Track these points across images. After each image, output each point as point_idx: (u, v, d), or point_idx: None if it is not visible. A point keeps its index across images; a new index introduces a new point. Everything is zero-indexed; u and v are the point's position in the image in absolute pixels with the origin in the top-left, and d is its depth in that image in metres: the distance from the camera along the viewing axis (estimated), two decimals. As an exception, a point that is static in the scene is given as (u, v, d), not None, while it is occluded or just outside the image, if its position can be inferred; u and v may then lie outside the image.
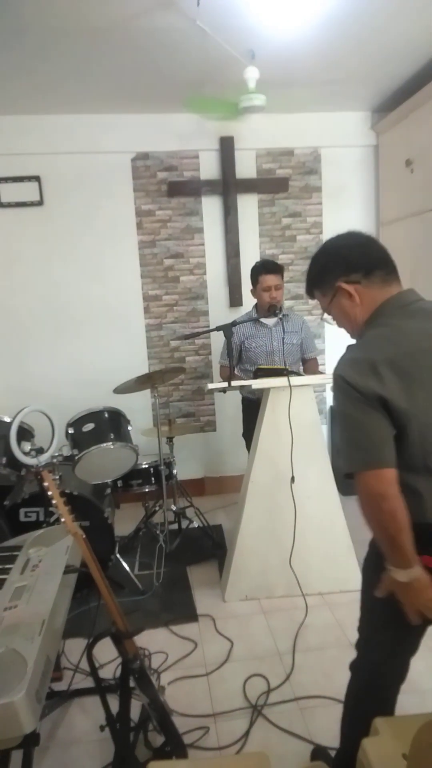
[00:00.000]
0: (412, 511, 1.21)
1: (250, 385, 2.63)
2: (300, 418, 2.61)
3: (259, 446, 2.68)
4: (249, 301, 3.76)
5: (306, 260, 4.08)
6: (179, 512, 3.37)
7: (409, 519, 1.20)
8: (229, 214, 3.94)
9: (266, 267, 3.04)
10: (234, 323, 2.91)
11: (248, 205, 4.00)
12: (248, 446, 3.05)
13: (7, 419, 2.67)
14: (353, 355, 1.28)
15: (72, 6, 2.36)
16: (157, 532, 3.19)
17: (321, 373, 3.12)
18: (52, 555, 1.68)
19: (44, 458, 2.62)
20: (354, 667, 1.55)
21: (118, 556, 2.88)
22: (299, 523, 2.62)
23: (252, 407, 2.97)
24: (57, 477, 2.73)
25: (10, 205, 3.74)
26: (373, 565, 1.40)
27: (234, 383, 2.60)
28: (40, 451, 2.63)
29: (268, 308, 3.03)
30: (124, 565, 2.92)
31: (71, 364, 3.95)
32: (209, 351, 4.13)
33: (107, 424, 2.88)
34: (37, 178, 3.74)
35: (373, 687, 1.49)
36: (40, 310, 3.89)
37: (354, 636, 1.55)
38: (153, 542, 3.21)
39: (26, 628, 1.28)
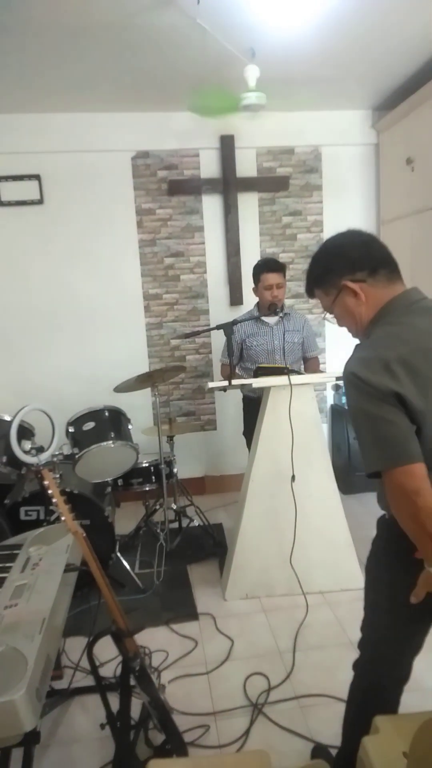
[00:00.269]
0: None
1: (251, 384, 2.63)
2: (300, 417, 2.61)
3: (260, 445, 2.68)
4: (249, 300, 3.76)
5: (306, 259, 4.08)
6: (180, 511, 3.37)
7: None
8: (230, 213, 3.93)
9: (268, 265, 3.04)
10: (235, 322, 2.90)
11: (249, 204, 3.99)
12: (249, 445, 3.05)
13: (8, 418, 2.67)
14: (364, 353, 1.25)
15: (72, 5, 2.36)
16: (158, 530, 3.19)
17: (322, 372, 3.12)
18: (52, 553, 1.68)
19: (44, 457, 2.62)
20: (357, 666, 1.54)
21: (118, 554, 2.88)
22: (300, 521, 2.61)
23: (253, 406, 2.97)
24: (57, 476, 2.73)
25: (10, 203, 3.74)
26: (383, 566, 1.39)
27: (234, 382, 2.60)
28: (40, 449, 2.63)
29: (269, 307, 3.03)
30: (125, 563, 2.92)
31: (71, 363, 3.95)
32: (209, 350, 4.13)
33: (108, 423, 2.88)
34: (37, 177, 3.74)
35: (377, 687, 1.48)
36: (41, 309, 3.89)
37: (355, 634, 1.55)
38: (153, 541, 3.21)
39: (27, 626, 1.28)
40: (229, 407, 4.09)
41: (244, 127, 3.79)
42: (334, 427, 4.26)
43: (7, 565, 1.65)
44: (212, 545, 3.27)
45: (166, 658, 2.33)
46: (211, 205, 3.96)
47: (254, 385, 2.63)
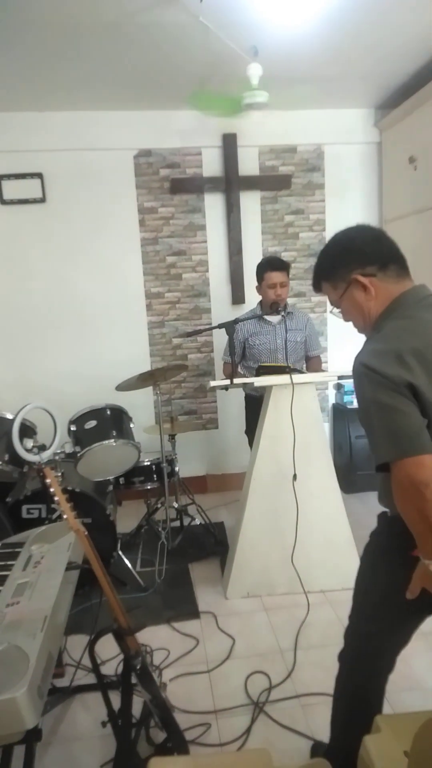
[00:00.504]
0: None
1: (253, 383, 2.63)
2: (302, 416, 2.61)
3: (261, 444, 2.68)
4: (251, 299, 3.76)
5: (309, 257, 4.08)
6: (181, 509, 3.37)
7: None
8: (232, 212, 3.93)
9: (272, 264, 3.03)
10: (236, 320, 2.90)
11: (251, 203, 3.99)
12: (251, 443, 3.05)
13: (10, 416, 2.67)
14: (376, 346, 1.25)
15: (74, 3, 2.36)
16: (159, 529, 3.20)
17: (323, 371, 3.12)
18: (54, 552, 1.69)
19: (46, 455, 2.62)
20: (344, 659, 1.54)
21: (120, 553, 2.89)
22: (301, 520, 2.61)
23: (255, 404, 2.97)
24: (59, 474, 2.73)
25: (12, 202, 3.74)
26: (380, 561, 1.39)
27: (236, 381, 2.60)
28: (42, 448, 2.63)
29: (271, 305, 3.02)
30: (126, 562, 2.92)
31: (73, 361, 3.96)
32: (211, 348, 4.13)
33: (109, 422, 2.88)
34: (39, 175, 3.74)
35: (364, 681, 1.48)
36: (43, 307, 3.89)
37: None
38: (155, 539, 3.21)
39: (28, 624, 1.29)
40: (231, 406, 4.09)
41: (246, 126, 3.79)
42: (335, 426, 4.26)
43: (9, 563, 1.65)
44: (214, 544, 3.28)
45: (168, 657, 2.34)
46: (214, 204, 3.95)
47: (256, 384, 2.63)
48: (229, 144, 3.85)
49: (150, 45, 2.79)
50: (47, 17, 2.46)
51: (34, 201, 3.76)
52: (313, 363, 3.25)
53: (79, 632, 2.36)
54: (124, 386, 2.99)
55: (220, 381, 2.67)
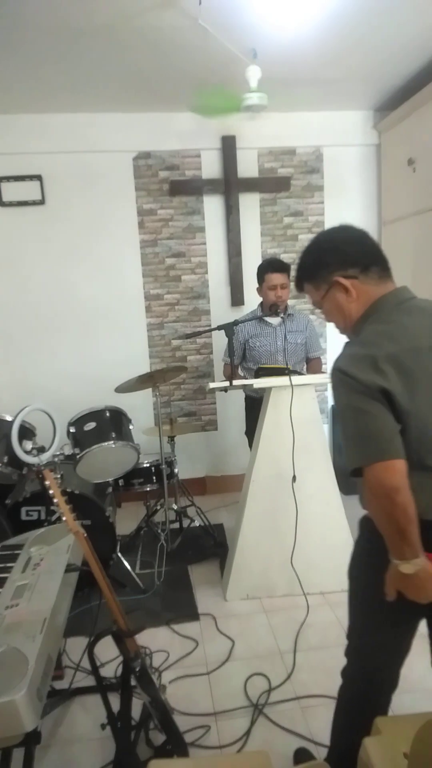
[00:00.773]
0: None
1: (252, 384, 2.63)
2: (301, 418, 2.61)
3: (261, 445, 2.68)
4: (250, 300, 3.77)
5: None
6: (180, 511, 3.37)
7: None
8: (231, 214, 3.93)
9: (272, 265, 3.03)
10: (236, 322, 2.90)
11: (250, 204, 3.99)
12: (251, 444, 3.05)
13: (9, 418, 2.67)
14: (353, 351, 1.25)
15: (74, 5, 2.36)
16: (159, 531, 3.20)
17: (324, 372, 3.12)
18: (53, 554, 1.69)
19: (46, 457, 2.62)
20: (345, 675, 1.53)
21: (119, 554, 2.88)
22: (300, 522, 2.61)
23: (255, 405, 2.97)
24: (58, 476, 2.73)
25: (12, 204, 3.74)
26: (365, 567, 1.38)
27: (235, 382, 2.60)
28: (41, 449, 2.64)
29: (270, 307, 3.03)
30: (126, 564, 2.92)
31: (73, 363, 3.96)
32: (210, 350, 4.13)
33: (109, 423, 2.88)
34: (39, 177, 3.74)
35: (364, 696, 1.46)
36: (42, 309, 3.89)
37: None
38: (154, 541, 3.21)
39: (28, 626, 1.29)
40: (230, 408, 4.09)
41: (245, 128, 3.79)
42: (335, 427, 4.26)
43: (9, 565, 1.65)
44: (213, 545, 3.27)
45: (167, 659, 2.34)
46: (213, 206, 3.96)
47: (255, 386, 2.63)
48: (228, 146, 3.86)
49: (149, 47, 2.79)
50: (47, 20, 2.46)
51: (34, 203, 3.76)
52: (313, 365, 3.26)
53: (79, 634, 2.35)
54: (124, 388, 2.99)
55: (219, 383, 2.67)
